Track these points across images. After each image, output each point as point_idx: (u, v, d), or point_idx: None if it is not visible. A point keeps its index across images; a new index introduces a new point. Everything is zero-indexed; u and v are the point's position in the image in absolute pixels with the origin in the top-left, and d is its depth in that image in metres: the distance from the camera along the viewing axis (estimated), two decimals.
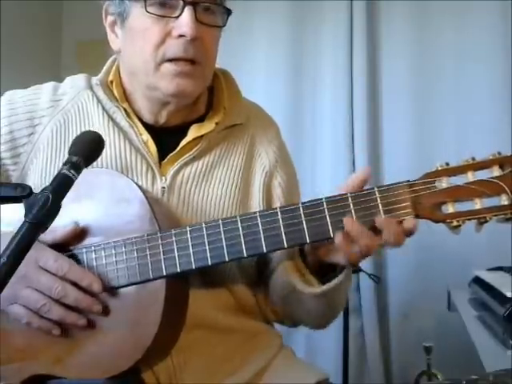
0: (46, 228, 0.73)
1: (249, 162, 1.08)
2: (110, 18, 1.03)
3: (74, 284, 0.88)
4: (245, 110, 1.12)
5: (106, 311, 0.89)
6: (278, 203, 1.07)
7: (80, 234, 0.92)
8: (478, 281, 1.64)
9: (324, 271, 0.96)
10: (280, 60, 2.46)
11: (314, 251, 0.95)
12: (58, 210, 0.74)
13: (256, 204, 1.06)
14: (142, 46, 0.97)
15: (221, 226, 0.88)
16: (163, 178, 1.01)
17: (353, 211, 0.86)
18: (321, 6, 2.41)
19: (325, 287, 0.94)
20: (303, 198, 1.15)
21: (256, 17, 2.49)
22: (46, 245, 0.90)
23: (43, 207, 0.71)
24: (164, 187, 1.01)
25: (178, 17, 0.95)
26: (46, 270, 0.88)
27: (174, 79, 0.97)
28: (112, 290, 0.89)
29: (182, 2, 0.94)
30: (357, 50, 2.34)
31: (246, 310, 1.06)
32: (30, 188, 0.75)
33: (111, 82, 1.07)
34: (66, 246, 0.92)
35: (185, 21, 0.94)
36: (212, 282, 1.01)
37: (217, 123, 1.05)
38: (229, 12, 1.00)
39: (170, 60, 0.96)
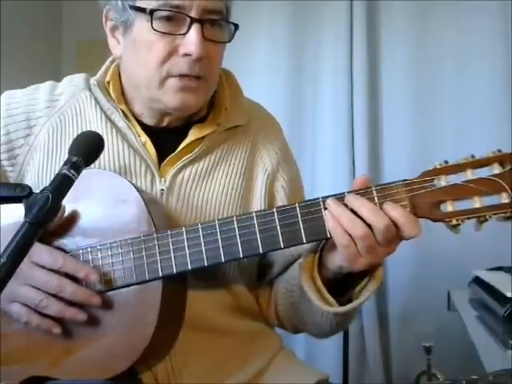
0: (46, 228, 0.73)
1: (250, 164, 1.07)
2: (111, 23, 1.00)
3: (71, 277, 0.87)
4: (247, 110, 1.10)
5: (102, 312, 0.88)
6: None
7: (70, 218, 0.91)
8: (477, 281, 1.64)
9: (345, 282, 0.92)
10: (280, 60, 2.46)
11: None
12: (58, 210, 0.74)
13: (257, 207, 1.04)
14: (146, 60, 0.95)
15: (217, 226, 0.87)
16: (162, 179, 1.00)
17: None
18: (321, 6, 2.41)
19: (347, 307, 0.90)
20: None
21: (257, 17, 2.48)
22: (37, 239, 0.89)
23: (43, 207, 0.72)
24: (163, 189, 1.00)
25: (184, 34, 0.92)
26: (41, 266, 0.87)
27: (177, 93, 0.95)
28: (108, 292, 0.89)
29: (189, 19, 0.92)
30: (357, 50, 2.34)
31: (246, 311, 1.06)
32: (30, 188, 0.75)
33: (108, 82, 1.05)
34: (58, 236, 0.91)
35: (192, 40, 0.92)
36: (212, 283, 1.00)
37: (218, 124, 1.04)
38: (236, 27, 0.98)
39: (175, 75, 0.94)
